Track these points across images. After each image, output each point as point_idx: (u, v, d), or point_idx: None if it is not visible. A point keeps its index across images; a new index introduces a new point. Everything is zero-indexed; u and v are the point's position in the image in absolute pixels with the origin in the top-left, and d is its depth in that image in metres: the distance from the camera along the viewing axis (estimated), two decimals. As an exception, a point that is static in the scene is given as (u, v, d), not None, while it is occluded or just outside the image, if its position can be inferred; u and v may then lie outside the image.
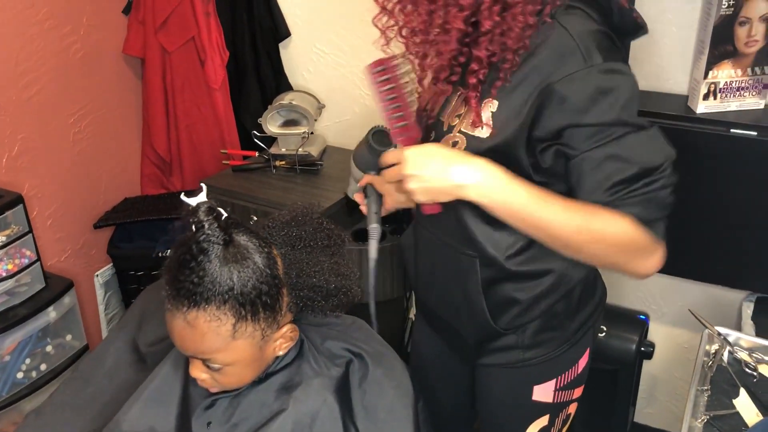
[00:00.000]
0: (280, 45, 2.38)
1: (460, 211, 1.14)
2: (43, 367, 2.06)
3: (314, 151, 2.18)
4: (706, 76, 1.68)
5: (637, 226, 1.01)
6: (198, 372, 1.04)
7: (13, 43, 2.06)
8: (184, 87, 2.40)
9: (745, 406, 1.21)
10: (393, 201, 1.21)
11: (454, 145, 1.10)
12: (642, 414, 2.28)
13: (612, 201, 1.00)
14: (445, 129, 1.13)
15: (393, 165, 1.10)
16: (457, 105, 1.13)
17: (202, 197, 1.01)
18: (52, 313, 2.05)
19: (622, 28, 1.08)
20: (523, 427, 1.32)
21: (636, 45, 1.83)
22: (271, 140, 2.22)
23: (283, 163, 2.13)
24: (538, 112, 1.02)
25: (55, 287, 2.07)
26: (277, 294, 1.03)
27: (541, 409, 1.29)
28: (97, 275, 2.46)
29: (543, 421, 1.31)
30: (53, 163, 2.27)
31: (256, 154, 2.23)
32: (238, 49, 2.35)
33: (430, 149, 1.06)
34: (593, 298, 1.28)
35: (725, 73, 1.68)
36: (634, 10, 1.09)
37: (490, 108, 1.07)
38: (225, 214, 0.99)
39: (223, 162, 2.24)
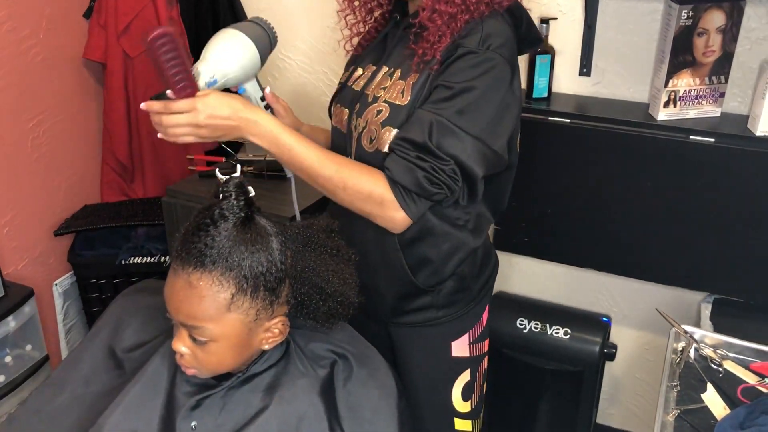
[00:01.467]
0: (246, 51, 2.37)
1: None
2: (1, 378, 2.00)
3: (281, 157, 2.17)
4: (666, 84, 1.74)
5: (385, 183, 1.19)
6: (180, 344, 1.04)
7: (-29, 46, 2.01)
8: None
9: (712, 400, 1.26)
10: (173, 136, 1.21)
11: (379, 113, 1.26)
12: (604, 415, 2.33)
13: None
14: (370, 100, 1.29)
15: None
16: (382, 80, 1.30)
17: (236, 174, 1.08)
18: (11, 323, 1.99)
19: (527, 38, 1.33)
20: (448, 386, 1.44)
21: (600, 54, 1.89)
22: (238, 146, 2.21)
23: (251, 168, 2.12)
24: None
25: (15, 296, 2.02)
26: (280, 280, 1.04)
27: (461, 364, 1.44)
28: (56, 284, 2.40)
29: (465, 376, 1.45)
30: (10, 169, 2.21)
31: (224, 159, 2.21)
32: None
33: (219, 98, 1.15)
34: (490, 262, 1.48)
35: (684, 82, 1.74)
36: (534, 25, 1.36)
37: (411, 80, 1.25)
38: (253, 193, 1.05)
39: (189, 168, 2.22)
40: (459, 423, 1.48)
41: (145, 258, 2.31)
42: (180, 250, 1.01)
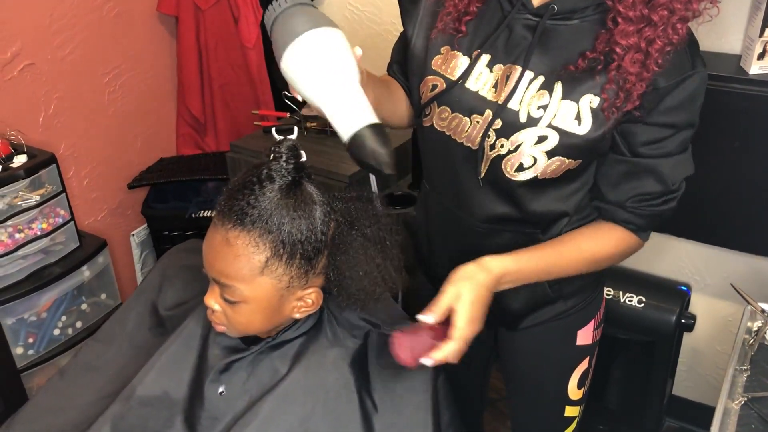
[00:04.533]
0: (315, 2, 2.33)
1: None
2: (78, 324, 2.09)
3: (347, 112, 2.13)
4: (761, 34, 1.57)
5: (630, 234, 1.12)
6: (212, 301, 1.03)
7: (47, 2, 2.05)
8: (218, 46, 2.37)
9: (786, 388, 1.15)
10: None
11: (542, 140, 1.03)
12: (681, 386, 2.21)
13: (629, 207, 1.09)
14: (523, 121, 1.04)
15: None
16: (531, 91, 1.04)
17: (292, 136, 1.03)
18: (86, 272, 2.07)
19: None
20: (566, 377, 1.33)
21: (685, 1, 1.72)
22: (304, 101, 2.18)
23: (315, 124, 2.09)
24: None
25: (89, 246, 2.09)
26: (318, 251, 1.02)
27: (583, 352, 1.32)
28: (133, 235, 2.48)
29: (584, 364, 1.34)
30: (88, 122, 2.27)
31: (288, 115, 2.19)
32: (271, 7, 2.30)
33: (476, 311, 1.01)
34: None
35: (782, 31, 1.57)
36: None
37: (590, 103, 1.02)
38: (304, 159, 1.00)
39: (255, 123, 2.21)
40: (569, 410, 1.38)
41: (213, 211, 2.34)
42: (223, 205, 0.99)
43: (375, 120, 0.96)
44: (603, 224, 1.13)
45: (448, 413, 1.12)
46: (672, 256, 2.02)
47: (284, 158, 0.98)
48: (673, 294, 1.94)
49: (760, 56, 1.60)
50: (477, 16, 1.08)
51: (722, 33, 1.72)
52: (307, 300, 1.05)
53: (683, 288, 1.96)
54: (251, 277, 0.99)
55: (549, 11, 1.01)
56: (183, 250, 1.30)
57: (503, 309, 1.23)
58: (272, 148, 1.00)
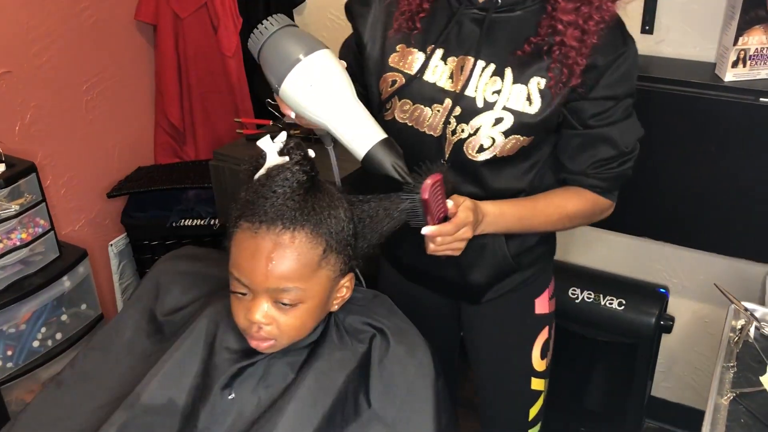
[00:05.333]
0: (295, 11, 2.34)
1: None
2: (58, 336, 2.06)
3: (329, 120, 2.14)
4: (735, 42, 1.63)
5: (597, 196, 1.24)
6: (259, 315, 1.00)
7: (24, 9, 2.03)
8: (197, 54, 2.36)
9: (772, 383, 1.19)
10: (457, 250, 1.15)
11: (499, 121, 1.16)
12: (659, 388, 2.26)
13: (590, 173, 1.22)
14: (480, 106, 1.16)
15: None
16: (485, 78, 1.16)
17: (282, 136, 1.04)
18: (66, 283, 2.04)
19: None
20: (530, 346, 1.43)
21: (663, 10, 1.77)
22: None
23: (298, 132, 2.09)
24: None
25: (69, 256, 2.06)
26: (355, 235, 1.06)
27: (542, 321, 1.43)
28: (111, 245, 2.45)
29: (544, 334, 1.44)
30: (66, 131, 2.24)
31: (271, 122, 2.19)
32: (251, 16, 2.31)
33: (466, 209, 1.11)
34: None
35: (756, 39, 1.62)
36: None
37: (538, 84, 1.15)
38: (313, 155, 1.03)
39: (237, 131, 2.21)
40: (535, 382, 1.47)
41: (195, 220, 2.33)
42: (258, 214, 0.98)
43: (384, 135, 1.06)
44: (573, 187, 1.25)
45: (446, 416, 1.14)
46: (650, 259, 2.07)
47: (305, 155, 1.00)
48: (652, 296, 1.98)
49: (734, 64, 1.66)
50: (429, 13, 1.20)
51: (697, 42, 1.78)
52: (343, 290, 1.09)
53: (662, 290, 2.01)
54: (311, 273, 1.01)
55: (493, 5, 1.15)
56: (179, 257, 1.29)
57: (467, 283, 1.33)
58: (286, 149, 1.01)
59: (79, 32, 2.21)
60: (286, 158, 1.01)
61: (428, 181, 1.01)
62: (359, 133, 1.06)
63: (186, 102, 2.44)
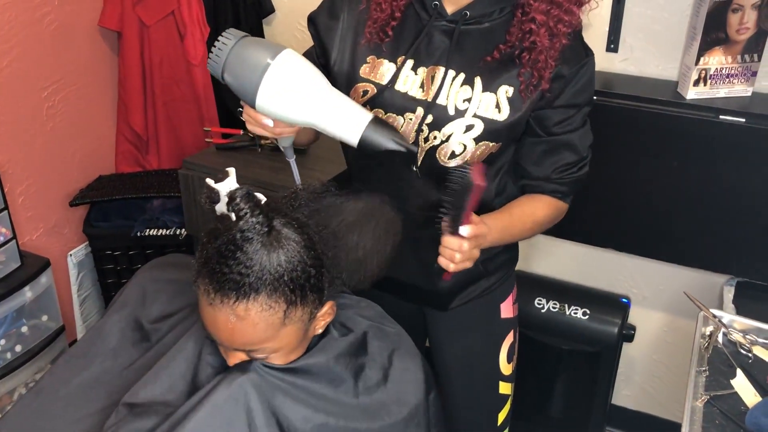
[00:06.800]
0: (264, 21, 2.33)
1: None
2: (18, 348, 1.99)
3: (300, 130, 2.14)
4: (697, 62, 1.70)
5: (558, 201, 1.31)
6: (238, 361, 1.01)
7: (-15, 12, 1.98)
8: (163, 62, 2.34)
9: (742, 386, 1.24)
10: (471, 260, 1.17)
11: (470, 128, 1.19)
12: (619, 396, 2.32)
13: (554, 179, 1.28)
14: (451, 113, 1.19)
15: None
16: (455, 87, 1.19)
17: (232, 182, 0.97)
18: (27, 293, 1.99)
19: None
20: (497, 350, 1.47)
21: (628, 30, 1.84)
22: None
23: (269, 141, 2.08)
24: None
25: (31, 266, 2.01)
26: (322, 274, 1.00)
27: (508, 325, 1.48)
28: (71, 255, 2.39)
29: (510, 338, 1.49)
30: (25, 138, 2.18)
31: (241, 132, 2.18)
32: (219, 24, 2.30)
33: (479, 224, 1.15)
34: None
35: (716, 60, 1.70)
36: None
37: (506, 92, 1.20)
38: (264, 199, 0.96)
39: (206, 140, 2.19)
40: (503, 386, 1.50)
41: (160, 230, 2.29)
42: (212, 282, 0.94)
43: (370, 115, 1.08)
44: (535, 195, 1.31)
45: (435, 430, 1.15)
46: (612, 270, 2.13)
47: (250, 213, 0.92)
48: (615, 306, 2.04)
49: (696, 83, 1.73)
50: (399, 23, 1.22)
51: (660, 61, 1.85)
52: (325, 317, 1.07)
53: (624, 300, 2.07)
54: (275, 333, 0.97)
55: (462, 17, 1.18)
56: (166, 265, 1.27)
57: (435, 290, 1.38)
58: (232, 207, 0.93)
59: (41, 38, 2.16)
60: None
61: (479, 166, 1.02)
62: (347, 120, 1.05)
63: (150, 110, 2.40)
